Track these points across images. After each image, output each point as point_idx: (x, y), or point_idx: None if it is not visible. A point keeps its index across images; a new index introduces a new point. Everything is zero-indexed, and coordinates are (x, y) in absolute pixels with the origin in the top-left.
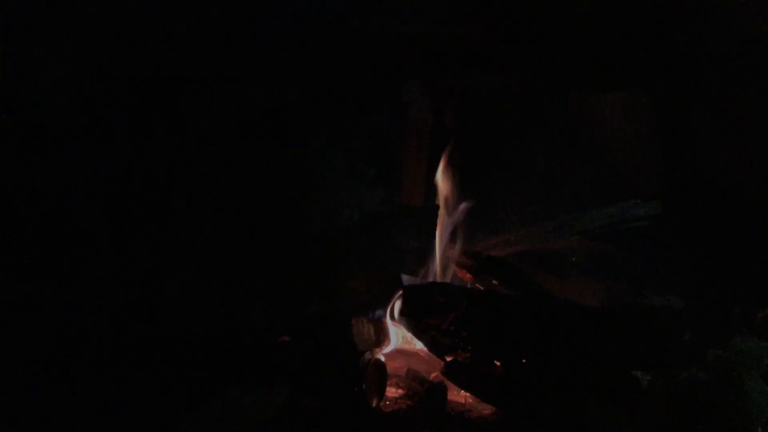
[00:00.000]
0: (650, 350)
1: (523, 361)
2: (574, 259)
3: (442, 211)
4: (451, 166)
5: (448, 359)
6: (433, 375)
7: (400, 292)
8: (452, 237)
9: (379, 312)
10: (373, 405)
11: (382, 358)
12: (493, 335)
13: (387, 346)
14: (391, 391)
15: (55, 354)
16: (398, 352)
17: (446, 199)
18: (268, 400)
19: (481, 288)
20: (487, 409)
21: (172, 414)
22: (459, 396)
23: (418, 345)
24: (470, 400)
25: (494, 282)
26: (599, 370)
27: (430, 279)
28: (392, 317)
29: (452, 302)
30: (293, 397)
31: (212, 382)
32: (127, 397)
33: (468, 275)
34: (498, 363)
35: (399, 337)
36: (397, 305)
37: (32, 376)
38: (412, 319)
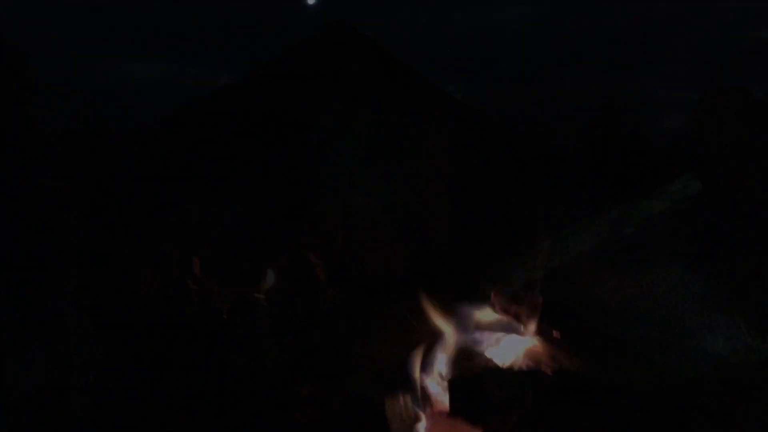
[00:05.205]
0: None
1: None
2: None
3: None
4: None
5: None
6: None
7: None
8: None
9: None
10: None
11: None
12: None
13: (430, 418)
14: None
15: None
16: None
17: None
18: None
19: (548, 367)
20: None
21: None
22: None
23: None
24: None
25: (555, 334)
26: None
27: (470, 334)
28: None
29: (514, 397)
30: None
31: None
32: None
33: (518, 324)
34: None
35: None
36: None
37: None
38: (464, 422)
